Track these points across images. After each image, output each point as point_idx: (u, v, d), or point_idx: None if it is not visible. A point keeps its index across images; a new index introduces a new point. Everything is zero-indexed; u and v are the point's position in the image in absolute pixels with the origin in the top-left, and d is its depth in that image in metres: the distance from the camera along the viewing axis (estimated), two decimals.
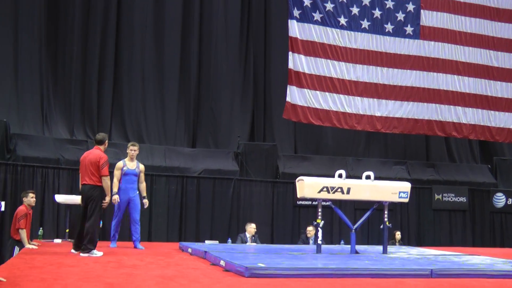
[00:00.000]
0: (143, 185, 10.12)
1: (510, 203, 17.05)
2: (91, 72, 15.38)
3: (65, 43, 15.30)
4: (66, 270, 6.25)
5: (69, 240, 11.12)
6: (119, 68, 15.80)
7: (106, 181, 8.44)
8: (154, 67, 16.08)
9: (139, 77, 15.90)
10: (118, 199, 9.66)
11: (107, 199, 8.69)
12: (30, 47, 14.80)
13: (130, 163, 9.96)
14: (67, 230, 11.54)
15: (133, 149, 9.99)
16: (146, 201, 10.12)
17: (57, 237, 11.75)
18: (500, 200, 16.99)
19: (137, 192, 10.04)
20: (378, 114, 15.95)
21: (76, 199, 11.68)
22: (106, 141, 8.84)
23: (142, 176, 10.08)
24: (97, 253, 8.16)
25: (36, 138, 14.04)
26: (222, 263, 6.93)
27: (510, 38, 17.44)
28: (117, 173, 9.80)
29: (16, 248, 9.46)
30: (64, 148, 14.11)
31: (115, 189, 9.64)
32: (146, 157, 14.59)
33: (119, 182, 9.85)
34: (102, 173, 8.41)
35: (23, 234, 9.39)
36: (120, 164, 9.93)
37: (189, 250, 9.00)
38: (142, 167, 10.11)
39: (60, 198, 11.71)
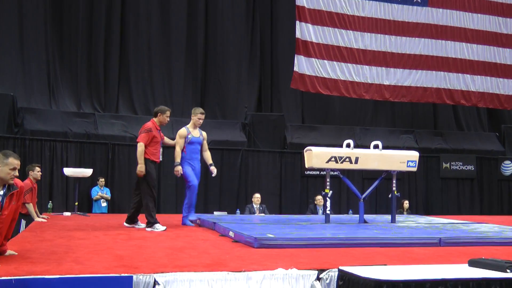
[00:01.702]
0: (208, 153, 9.15)
1: None
2: (97, 45, 15.33)
3: (71, 15, 15.23)
4: (76, 242, 6.29)
5: (78, 213, 11.19)
6: (125, 40, 15.73)
7: (138, 148, 8.09)
8: (161, 38, 15.99)
9: (145, 49, 15.83)
10: (181, 170, 8.66)
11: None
12: (36, 20, 14.75)
13: (194, 131, 8.88)
14: (76, 203, 11.59)
15: (201, 117, 8.87)
16: (214, 168, 9.06)
17: (67, 210, 11.82)
18: (508, 168, 16.94)
19: (200, 163, 9.01)
20: (386, 82, 15.87)
21: (84, 172, 11.74)
22: (160, 114, 8.32)
23: (206, 143, 9.09)
24: (159, 227, 7.98)
25: (43, 112, 14.07)
26: (231, 234, 6.95)
27: None
28: (180, 142, 8.74)
29: (23, 222, 9.49)
30: (71, 121, 14.15)
31: (178, 159, 8.68)
32: None
33: (183, 151, 8.79)
34: (137, 140, 8.13)
35: (31, 208, 9.39)
36: (183, 131, 8.81)
37: (198, 221, 9.03)
38: (205, 134, 9.10)
39: (68, 171, 11.73)
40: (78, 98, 15.04)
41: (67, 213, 11.15)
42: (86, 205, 13.20)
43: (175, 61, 16.03)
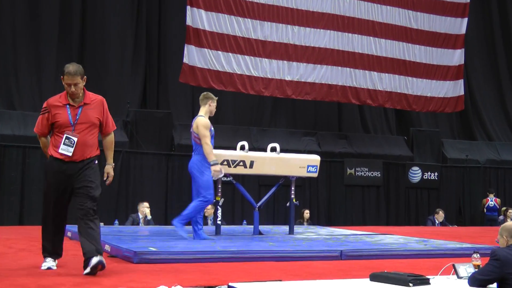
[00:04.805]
0: None
1: (426, 177, 17.72)
2: None
3: None
4: None
5: None
6: None
7: None
8: (28, 22, 15.40)
9: (9, 36, 15.18)
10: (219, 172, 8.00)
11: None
12: None
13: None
14: None
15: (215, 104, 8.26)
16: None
17: None
18: (416, 174, 17.59)
19: None
20: (288, 78, 16.06)
21: None
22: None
23: None
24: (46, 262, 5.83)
25: None
26: (107, 247, 6.87)
27: None
28: (208, 134, 8.03)
29: None
30: None
31: (214, 157, 8.05)
32: (18, 127, 14.13)
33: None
34: None
35: None
36: (208, 122, 8.10)
37: (69, 234, 8.84)
38: None
39: None
40: None
41: None
42: None
43: (45, 49, 15.49)
